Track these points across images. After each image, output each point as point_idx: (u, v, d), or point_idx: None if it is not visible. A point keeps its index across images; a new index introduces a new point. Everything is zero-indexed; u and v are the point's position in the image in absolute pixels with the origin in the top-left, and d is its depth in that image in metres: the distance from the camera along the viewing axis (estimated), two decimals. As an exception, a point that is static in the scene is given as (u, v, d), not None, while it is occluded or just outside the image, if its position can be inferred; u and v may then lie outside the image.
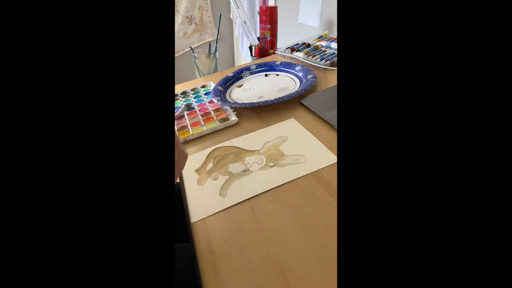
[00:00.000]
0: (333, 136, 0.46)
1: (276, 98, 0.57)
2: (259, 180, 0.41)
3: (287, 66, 0.71)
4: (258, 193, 0.38)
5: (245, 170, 0.43)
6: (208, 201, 0.39)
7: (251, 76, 0.74)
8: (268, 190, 0.39)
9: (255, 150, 0.47)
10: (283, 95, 0.58)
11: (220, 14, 1.15)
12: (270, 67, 0.74)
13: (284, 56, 0.82)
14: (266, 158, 0.44)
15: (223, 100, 0.63)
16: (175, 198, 0.50)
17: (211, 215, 0.37)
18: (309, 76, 0.63)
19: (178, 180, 0.46)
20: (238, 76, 0.74)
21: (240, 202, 0.38)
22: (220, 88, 0.69)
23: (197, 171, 0.45)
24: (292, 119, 0.53)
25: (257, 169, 0.43)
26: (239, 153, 0.47)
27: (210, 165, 0.46)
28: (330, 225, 0.32)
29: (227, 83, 0.72)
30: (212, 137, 0.54)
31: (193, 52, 0.91)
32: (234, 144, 0.50)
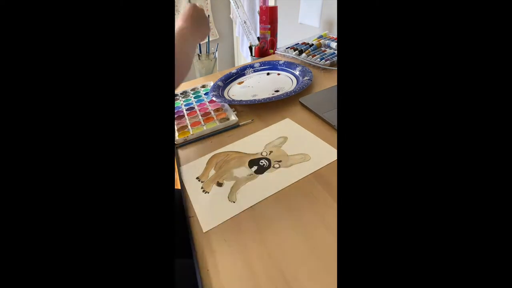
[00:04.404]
0: (333, 136, 0.46)
1: (268, 97, 0.57)
2: (268, 182, 0.40)
3: (289, 66, 0.72)
4: (270, 195, 0.38)
5: (251, 174, 0.42)
6: (217, 208, 0.38)
7: (254, 74, 0.75)
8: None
9: (257, 153, 0.46)
10: (276, 95, 0.59)
11: (208, 15, 1.15)
12: (273, 66, 0.74)
13: (284, 56, 0.82)
14: (271, 160, 0.44)
15: (218, 96, 0.64)
16: (175, 204, 0.49)
17: (224, 222, 0.36)
18: (305, 78, 0.63)
19: (179, 187, 0.46)
20: (241, 73, 0.75)
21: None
22: (220, 83, 0.70)
23: (199, 178, 0.44)
24: (288, 119, 0.53)
25: (263, 172, 0.42)
26: (242, 157, 0.46)
27: (212, 172, 0.45)
28: (330, 225, 0.32)
29: (229, 79, 0.73)
30: (212, 137, 0.54)
31: (200, 52, 0.91)
32: (234, 148, 0.49)
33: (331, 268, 0.28)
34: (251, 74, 0.75)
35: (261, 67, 0.75)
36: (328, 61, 0.70)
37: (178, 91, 0.75)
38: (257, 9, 1.38)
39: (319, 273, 0.28)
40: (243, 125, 0.55)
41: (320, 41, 0.82)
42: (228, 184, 0.42)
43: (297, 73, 0.68)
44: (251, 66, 0.76)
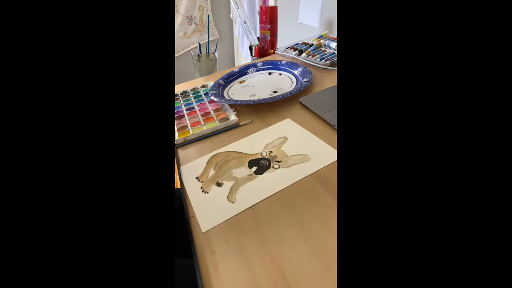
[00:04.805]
0: (333, 136, 0.46)
1: (264, 98, 0.58)
2: (267, 183, 0.40)
3: (291, 66, 0.72)
4: (269, 195, 0.38)
5: (250, 174, 0.42)
6: (216, 208, 0.38)
7: (256, 73, 0.75)
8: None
9: (256, 153, 0.46)
10: (274, 96, 0.59)
11: (208, 16, 1.16)
12: (276, 66, 0.74)
13: (284, 56, 0.82)
14: (270, 160, 0.44)
15: (217, 95, 0.65)
16: (175, 203, 0.49)
17: (223, 222, 0.36)
18: (304, 80, 0.63)
19: (179, 186, 0.46)
20: (243, 72, 0.75)
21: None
22: (221, 82, 0.71)
23: (198, 178, 0.44)
24: (288, 119, 0.53)
25: (263, 172, 0.42)
26: (241, 158, 0.46)
27: (212, 172, 0.45)
28: (330, 225, 0.32)
29: (230, 78, 0.73)
30: (212, 137, 0.54)
31: (200, 52, 0.91)
32: (234, 148, 0.49)
33: (331, 268, 0.28)
34: (253, 74, 0.75)
35: (263, 67, 0.75)
36: (328, 61, 0.70)
37: (178, 91, 0.75)
38: (257, 9, 1.38)
39: (319, 273, 0.28)
40: (243, 125, 0.55)
41: (320, 41, 0.82)
42: (227, 184, 0.42)
43: (297, 73, 0.69)
44: (253, 65, 0.76)
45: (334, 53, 0.75)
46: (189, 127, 0.58)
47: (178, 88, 0.76)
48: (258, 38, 0.99)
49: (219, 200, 0.39)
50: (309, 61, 0.74)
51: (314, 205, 0.35)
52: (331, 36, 0.86)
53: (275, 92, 0.63)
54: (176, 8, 1.71)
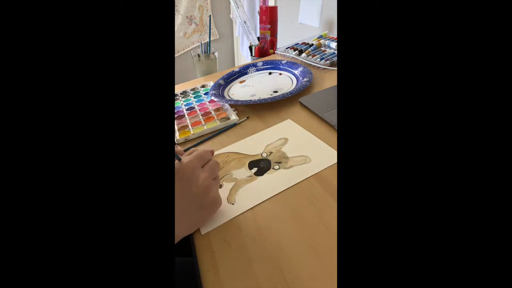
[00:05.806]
0: (333, 136, 0.46)
1: (264, 98, 0.58)
2: (267, 184, 0.40)
3: (291, 66, 0.72)
4: (269, 197, 0.37)
5: (250, 176, 0.42)
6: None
7: (256, 73, 0.75)
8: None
9: (257, 154, 0.46)
10: (274, 96, 0.59)
11: (210, 15, 1.16)
12: (276, 66, 0.75)
13: (284, 56, 0.82)
14: (271, 162, 0.44)
15: (218, 95, 0.65)
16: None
17: (223, 224, 0.36)
18: (304, 79, 0.63)
19: None
20: (243, 72, 0.75)
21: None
22: (221, 82, 0.71)
23: None
24: (289, 120, 0.53)
25: (263, 173, 0.42)
26: (241, 159, 0.46)
27: None
28: (330, 225, 0.32)
29: (230, 78, 0.73)
30: (212, 138, 0.54)
31: (202, 52, 0.91)
32: (234, 149, 0.49)
33: (331, 268, 0.28)
34: (253, 73, 0.75)
35: (263, 67, 0.75)
36: (328, 61, 0.70)
37: (178, 91, 0.75)
38: (257, 9, 1.38)
39: (319, 273, 0.28)
40: (240, 123, 0.55)
41: (320, 41, 0.82)
42: (227, 186, 0.41)
43: (298, 73, 0.69)
44: (254, 65, 0.76)
45: (334, 53, 0.75)
46: (189, 126, 0.58)
47: (178, 88, 0.76)
48: (258, 38, 0.99)
49: None
50: (309, 61, 0.74)
51: (314, 205, 0.35)
52: (331, 36, 0.86)
53: (275, 92, 0.63)
54: (176, 8, 1.71)
